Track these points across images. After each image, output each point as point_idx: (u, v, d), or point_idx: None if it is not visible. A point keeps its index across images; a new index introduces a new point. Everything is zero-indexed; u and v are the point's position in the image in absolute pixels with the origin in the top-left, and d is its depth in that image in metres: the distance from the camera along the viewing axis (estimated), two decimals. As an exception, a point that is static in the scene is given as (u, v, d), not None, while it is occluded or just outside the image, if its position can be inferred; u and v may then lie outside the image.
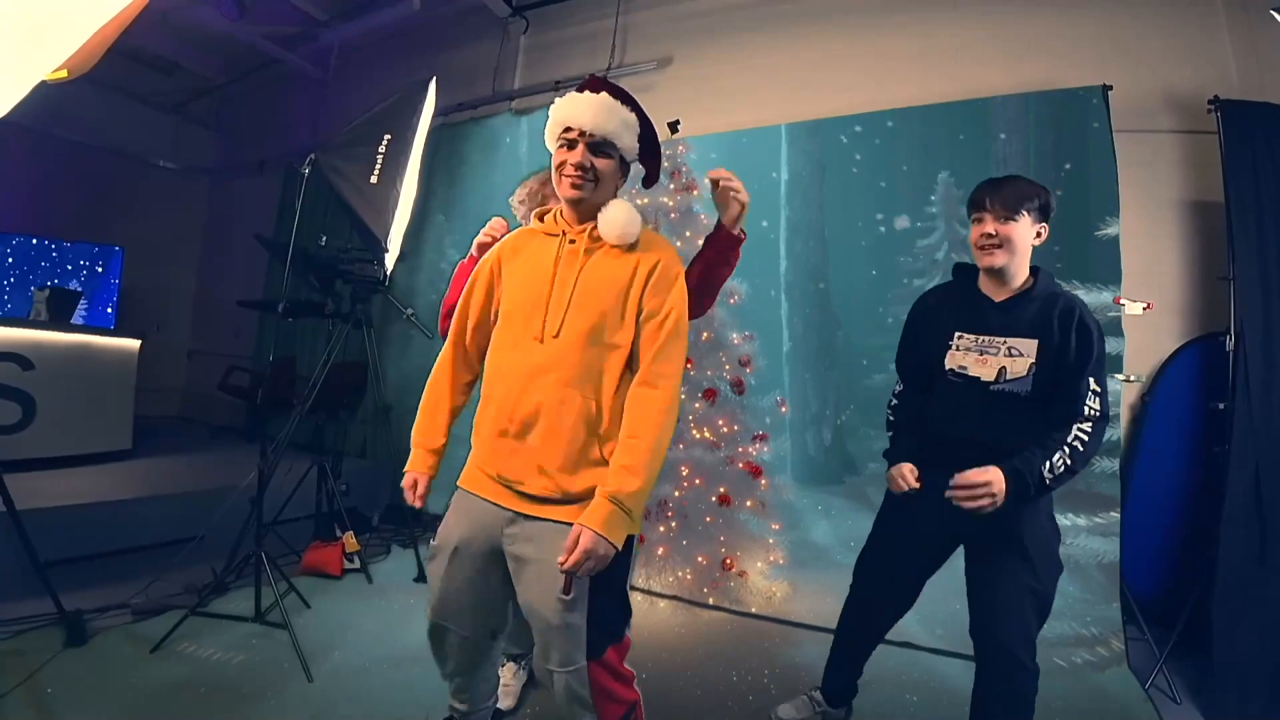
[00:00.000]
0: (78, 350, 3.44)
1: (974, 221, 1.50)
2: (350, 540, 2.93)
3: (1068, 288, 1.54)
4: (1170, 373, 2.63)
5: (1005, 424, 1.41)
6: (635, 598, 2.25)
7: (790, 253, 3.45)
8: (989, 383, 1.45)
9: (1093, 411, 1.38)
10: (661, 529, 2.73)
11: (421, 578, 2.92)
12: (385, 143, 2.26)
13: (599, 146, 1.26)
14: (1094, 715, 1.99)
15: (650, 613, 2.43)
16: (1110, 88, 2.60)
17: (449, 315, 1.50)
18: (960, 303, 1.55)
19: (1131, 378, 2.48)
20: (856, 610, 1.70)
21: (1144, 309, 2.39)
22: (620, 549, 1.18)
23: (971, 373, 1.48)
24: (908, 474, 1.51)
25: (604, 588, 1.24)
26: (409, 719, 1.74)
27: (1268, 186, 2.38)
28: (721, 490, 2.68)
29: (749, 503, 2.70)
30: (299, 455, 2.91)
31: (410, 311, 3.27)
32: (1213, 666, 2.06)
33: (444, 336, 1.48)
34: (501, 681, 1.85)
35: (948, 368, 1.51)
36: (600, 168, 1.27)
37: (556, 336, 1.24)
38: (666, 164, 2.64)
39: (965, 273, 1.60)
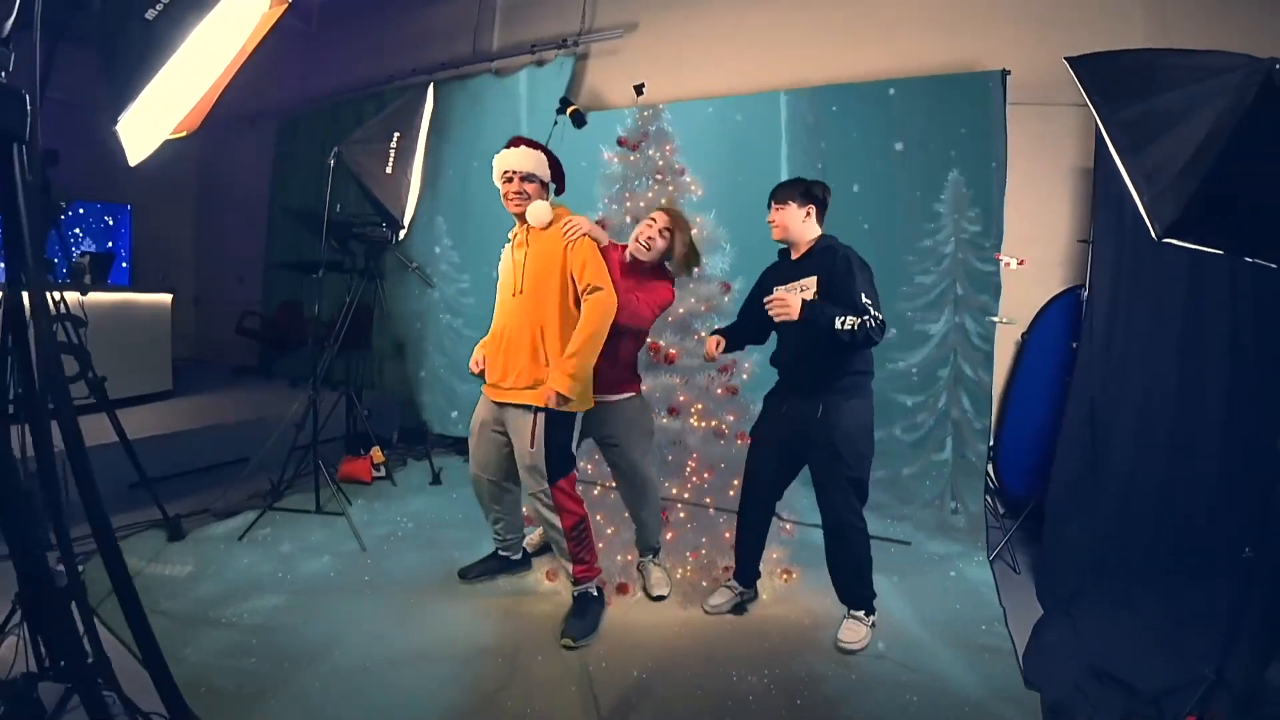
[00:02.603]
0: (120, 308, 3.95)
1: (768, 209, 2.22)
2: (377, 453, 3.63)
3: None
4: (1047, 316, 3.24)
5: (813, 340, 2.00)
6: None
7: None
8: None
9: (871, 311, 1.91)
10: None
11: (436, 481, 3.64)
12: (395, 139, 2.72)
13: (525, 178, 2.13)
14: (942, 574, 2.68)
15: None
16: (1008, 72, 3.02)
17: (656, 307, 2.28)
18: (775, 268, 2.30)
19: (1005, 319, 3.05)
20: (745, 503, 2.34)
21: (1018, 264, 2.92)
22: (564, 398, 2.02)
23: None
24: (711, 344, 2.29)
25: (554, 442, 2.10)
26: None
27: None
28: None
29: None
30: (324, 388, 3.43)
31: (415, 265, 3.76)
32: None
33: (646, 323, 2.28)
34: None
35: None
36: (529, 189, 2.14)
37: (520, 293, 2.13)
38: (652, 129, 2.85)
39: (783, 251, 2.30)
